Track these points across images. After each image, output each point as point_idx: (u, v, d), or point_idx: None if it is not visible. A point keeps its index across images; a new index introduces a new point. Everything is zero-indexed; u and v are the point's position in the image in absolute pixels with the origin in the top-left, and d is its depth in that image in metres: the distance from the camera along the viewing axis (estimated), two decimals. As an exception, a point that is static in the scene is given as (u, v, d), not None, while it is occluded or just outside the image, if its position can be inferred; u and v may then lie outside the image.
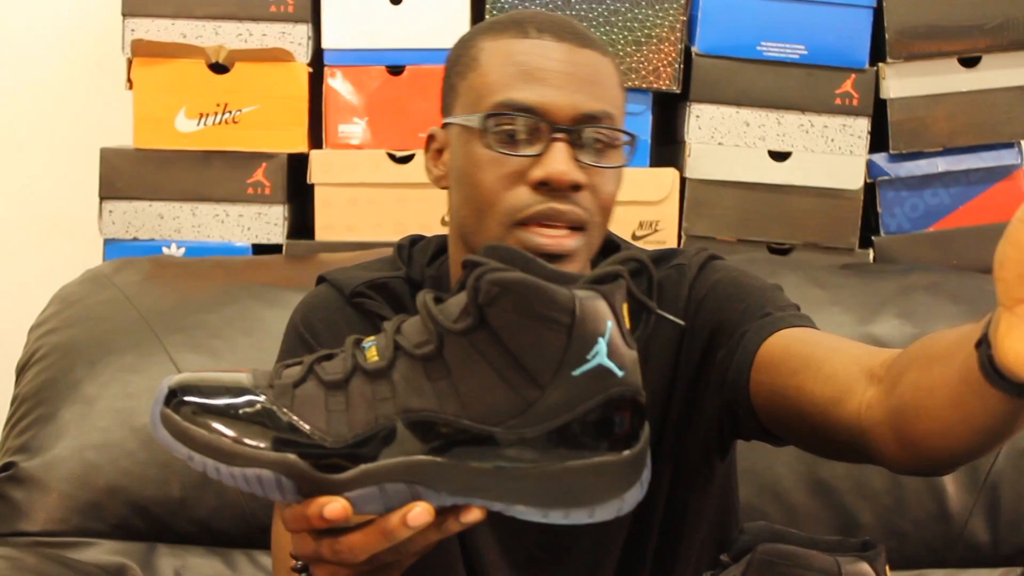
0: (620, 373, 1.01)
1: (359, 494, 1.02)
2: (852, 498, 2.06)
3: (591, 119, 1.38)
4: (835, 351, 1.29)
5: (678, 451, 1.49)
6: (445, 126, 1.47)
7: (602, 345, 0.99)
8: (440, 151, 1.48)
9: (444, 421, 1.01)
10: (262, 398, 1.04)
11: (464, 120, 1.40)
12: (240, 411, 1.04)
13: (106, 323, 2.14)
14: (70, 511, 2.01)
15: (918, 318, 2.14)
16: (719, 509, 1.57)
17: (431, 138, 1.50)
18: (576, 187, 1.36)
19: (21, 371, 2.14)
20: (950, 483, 2.06)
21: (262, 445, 1.03)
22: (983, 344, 1.02)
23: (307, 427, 1.03)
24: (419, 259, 1.56)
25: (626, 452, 1.02)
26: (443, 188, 1.48)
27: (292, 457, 1.02)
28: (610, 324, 0.99)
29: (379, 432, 1.02)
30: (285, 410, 1.03)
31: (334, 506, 1.01)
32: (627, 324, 1.01)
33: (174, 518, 2.02)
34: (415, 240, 1.60)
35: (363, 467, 1.02)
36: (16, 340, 2.20)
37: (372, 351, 1.05)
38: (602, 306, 0.99)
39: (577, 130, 1.37)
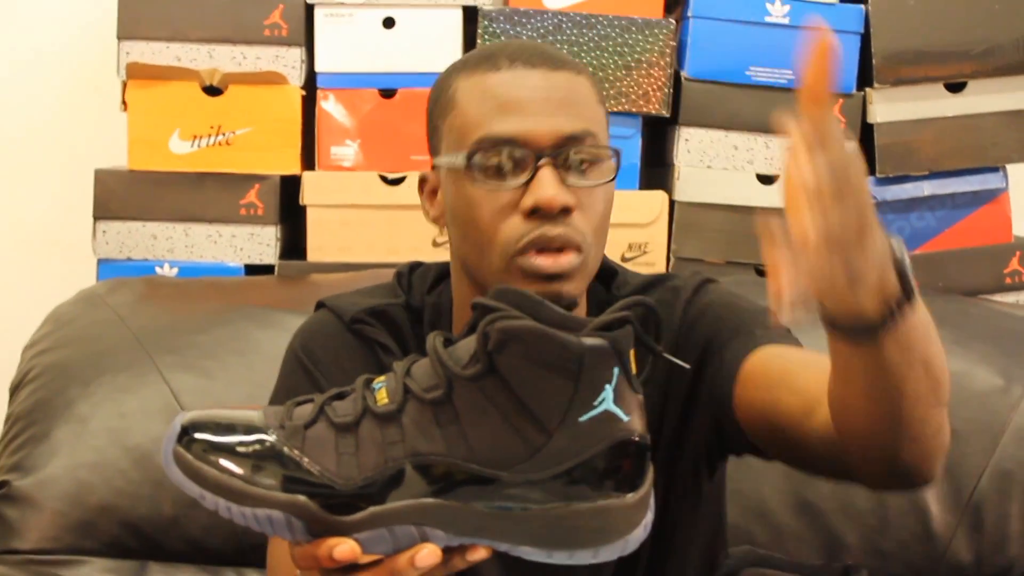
0: (626, 418, 1.03)
1: (368, 535, 1.04)
2: (837, 519, 2.08)
3: (573, 140, 1.39)
4: (807, 365, 1.32)
5: (669, 471, 1.50)
6: (435, 168, 1.48)
7: (609, 391, 1.01)
8: (434, 191, 1.49)
9: (452, 465, 1.03)
10: (273, 438, 1.06)
11: (450, 161, 1.42)
12: (251, 450, 1.06)
13: (100, 343, 2.14)
14: (63, 529, 2.02)
15: (904, 341, 2.16)
16: (708, 533, 1.59)
17: (423, 181, 1.51)
18: (566, 210, 1.37)
19: (15, 391, 2.14)
20: (933, 503, 2.08)
21: (273, 485, 1.04)
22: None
23: (317, 469, 1.04)
24: (419, 286, 1.57)
25: (630, 495, 1.04)
26: (441, 227, 1.49)
27: (302, 499, 1.04)
28: (617, 371, 1.01)
29: (388, 475, 1.04)
30: (296, 451, 1.05)
31: (343, 547, 1.04)
32: (634, 369, 1.03)
33: (166, 536, 2.03)
34: (414, 267, 1.61)
35: (372, 509, 1.04)
36: (10, 360, 2.21)
37: (382, 392, 1.06)
38: (609, 353, 1.01)
39: (560, 153, 1.38)
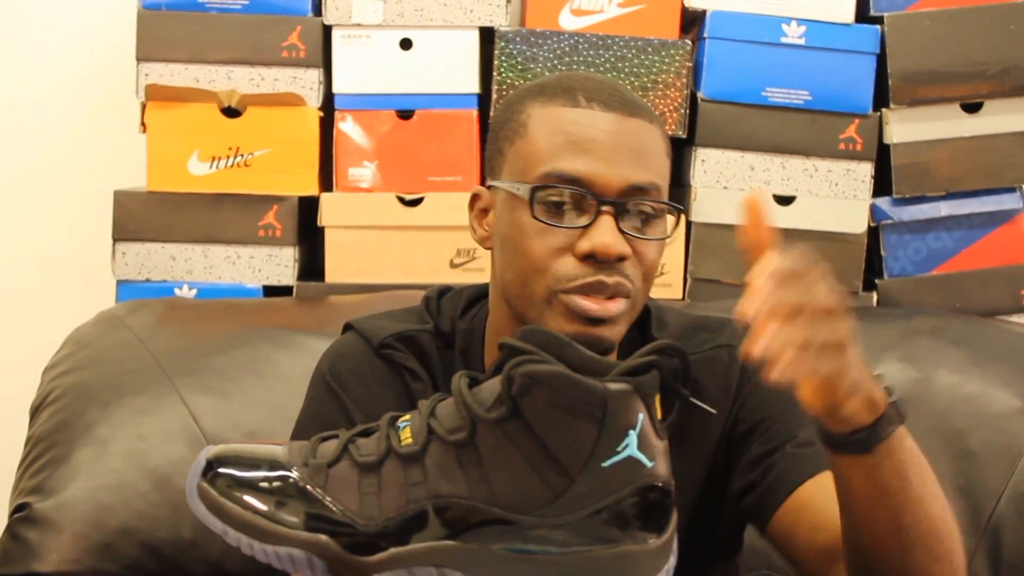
0: (649, 464, 1.03)
1: None
2: (855, 540, 2.08)
3: (638, 191, 1.38)
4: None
5: (710, 528, 1.51)
6: (490, 188, 1.46)
7: (633, 437, 1.01)
8: (485, 211, 1.47)
9: (474, 508, 1.03)
10: (296, 475, 1.07)
11: (512, 187, 1.40)
12: (274, 487, 1.07)
13: (119, 365, 2.15)
14: (83, 552, 2.02)
15: (921, 362, 2.17)
16: (724, 560, 1.60)
17: (476, 197, 1.49)
18: (621, 258, 1.36)
19: (35, 412, 2.15)
20: (952, 526, 2.08)
21: (295, 523, 1.05)
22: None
23: (339, 508, 1.05)
24: (448, 311, 1.56)
25: (652, 541, 1.04)
26: (487, 248, 1.48)
27: (324, 538, 1.05)
28: (641, 416, 1.01)
29: (409, 516, 1.04)
30: (319, 489, 1.06)
31: None
32: (659, 414, 1.03)
33: (185, 559, 2.03)
34: (443, 291, 1.59)
35: (393, 551, 1.04)
36: (30, 381, 2.21)
37: (406, 432, 1.07)
38: (634, 399, 1.01)
39: (623, 203, 1.37)
